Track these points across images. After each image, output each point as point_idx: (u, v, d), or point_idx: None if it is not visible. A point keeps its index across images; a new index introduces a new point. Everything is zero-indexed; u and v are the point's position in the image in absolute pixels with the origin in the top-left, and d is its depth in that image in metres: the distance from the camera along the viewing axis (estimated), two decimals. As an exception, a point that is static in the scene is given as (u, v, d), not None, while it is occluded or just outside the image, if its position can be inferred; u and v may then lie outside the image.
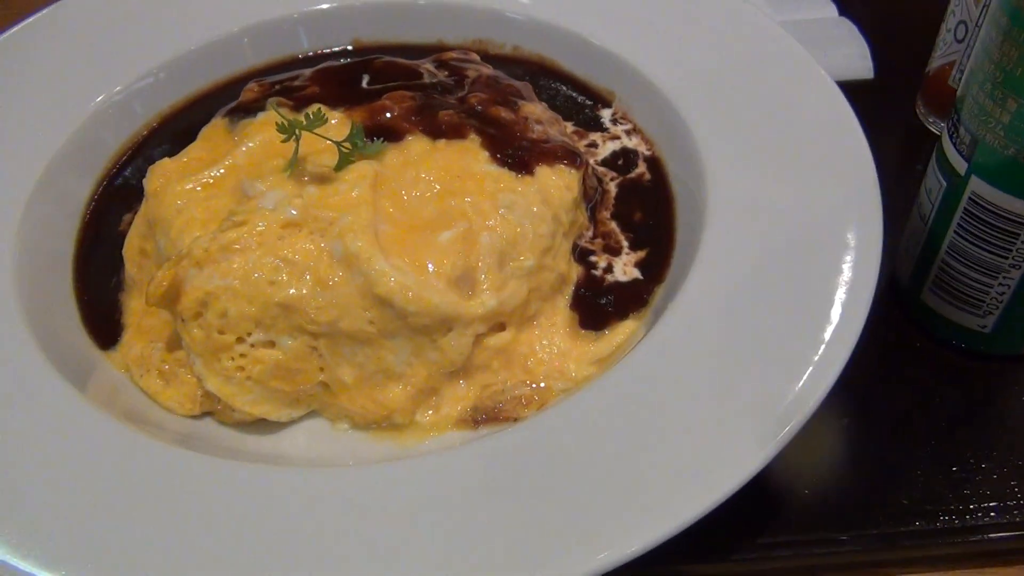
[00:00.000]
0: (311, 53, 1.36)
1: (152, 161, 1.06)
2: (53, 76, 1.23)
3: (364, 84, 1.13)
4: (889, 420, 0.98)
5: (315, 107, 1.05)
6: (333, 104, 1.07)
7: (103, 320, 1.03)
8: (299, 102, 1.09)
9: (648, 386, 0.85)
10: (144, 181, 1.02)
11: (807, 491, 0.92)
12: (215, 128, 1.10)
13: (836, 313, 0.86)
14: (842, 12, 1.53)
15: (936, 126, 1.32)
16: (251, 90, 1.15)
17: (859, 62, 1.41)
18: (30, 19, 1.29)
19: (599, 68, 1.27)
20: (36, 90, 1.21)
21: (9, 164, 1.11)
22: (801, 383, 0.81)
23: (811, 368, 0.82)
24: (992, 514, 0.89)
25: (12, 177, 1.09)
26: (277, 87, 1.13)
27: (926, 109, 1.34)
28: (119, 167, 1.20)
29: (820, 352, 0.83)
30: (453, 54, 1.21)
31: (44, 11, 1.30)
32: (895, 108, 1.39)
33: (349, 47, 1.37)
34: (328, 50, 1.36)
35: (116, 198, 1.17)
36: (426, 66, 1.16)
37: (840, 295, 0.88)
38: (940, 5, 1.28)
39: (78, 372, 0.96)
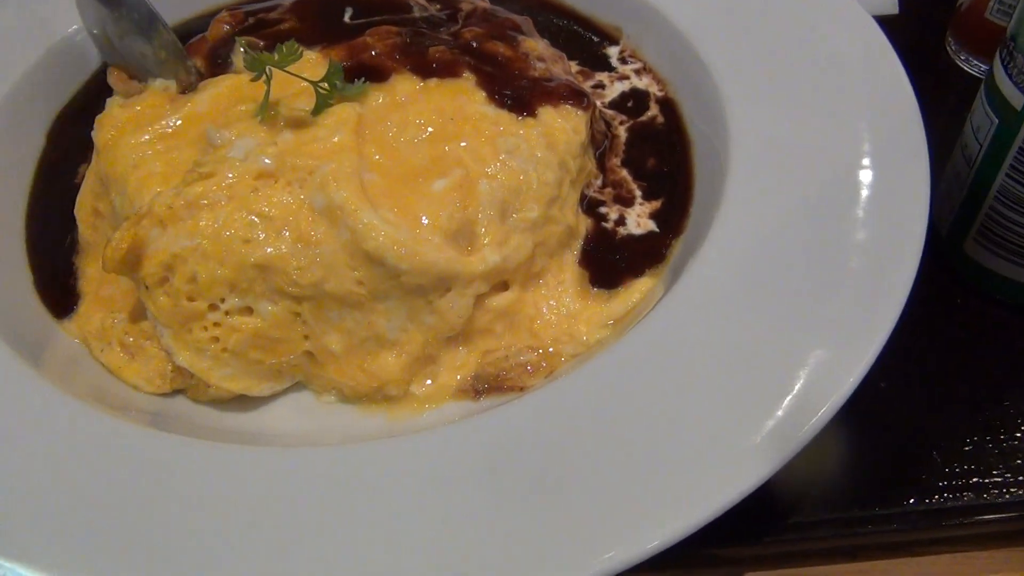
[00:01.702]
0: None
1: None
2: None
3: (347, 19, 1.01)
4: (930, 384, 0.89)
5: (288, 42, 0.94)
6: (310, 42, 0.96)
7: (57, 286, 0.92)
8: (272, 40, 0.97)
9: (669, 354, 0.75)
10: (92, 133, 0.91)
11: (842, 466, 0.84)
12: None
13: (880, 272, 0.77)
14: (861, -59, 1.41)
15: (969, 63, 1.22)
16: (222, 20, 1.03)
17: (882, -6, 1.30)
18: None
19: (603, 1, 1.15)
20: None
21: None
22: (842, 352, 0.72)
23: (853, 335, 0.73)
24: (1049, 485, 0.81)
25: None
26: (251, 20, 1.02)
27: (957, 46, 1.23)
28: (74, 112, 1.08)
29: (863, 317, 0.74)
30: None
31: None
32: (923, 45, 1.28)
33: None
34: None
35: (71, 148, 1.04)
36: (415, -1, 1.04)
37: (884, 250, 0.78)
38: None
39: (32, 345, 0.86)
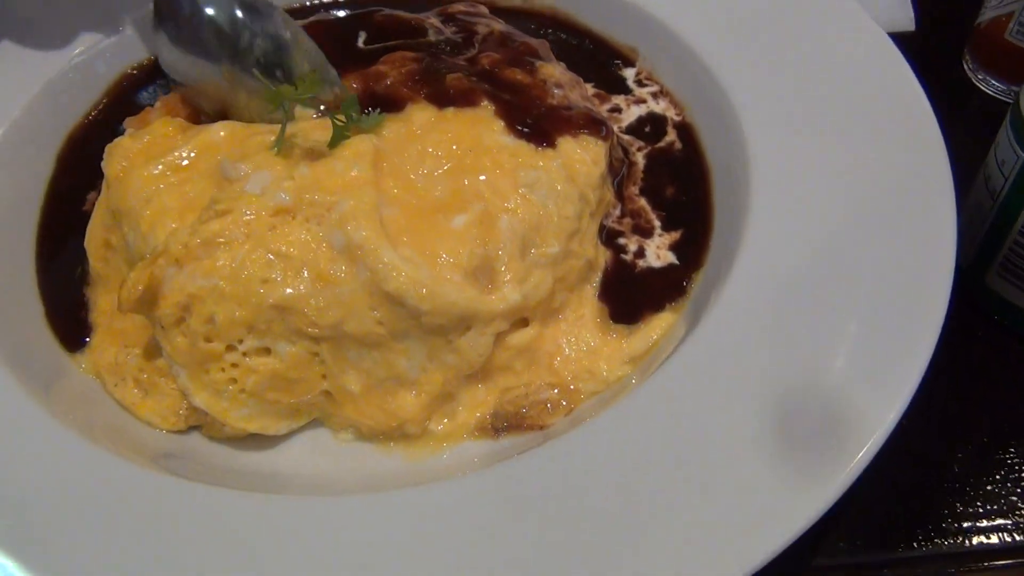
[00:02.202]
0: (298, 4, 1.21)
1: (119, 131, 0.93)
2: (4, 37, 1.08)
3: (360, 43, 1.00)
4: (951, 421, 0.88)
5: (309, 72, 0.92)
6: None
7: (69, 318, 0.91)
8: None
9: (695, 396, 0.74)
10: (102, 164, 0.89)
11: (857, 505, 0.83)
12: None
13: (910, 311, 0.76)
14: (876, -46, 1.39)
15: (987, 83, 1.20)
16: None
17: (899, 12, 1.28)
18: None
19: (619, 21, 1.13)
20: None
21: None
22: (876, 394, 0.71)
23: (886, 377, 0.72)
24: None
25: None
26: None
27: (975, 65, 1.22)
28: (85, 134, 1.06)
29: (896, 359, 0.73)
30: (460, 7, 1.07)
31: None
32: (940, 63, 1.27)
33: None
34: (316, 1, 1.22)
35: (82, 172, 1.02)
36: (431, 20, 1.02)
37: (913, 288, 0.78)
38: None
39: (43, 379, 0.85)
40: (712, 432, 0.71)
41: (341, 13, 1.07)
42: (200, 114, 0.97)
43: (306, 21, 1.04)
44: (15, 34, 1.07)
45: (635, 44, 1.12)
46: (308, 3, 1.18)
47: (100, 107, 1.08)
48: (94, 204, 0.96)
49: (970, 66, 1.23)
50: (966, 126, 1.18)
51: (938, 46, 1.28)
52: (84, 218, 0.96)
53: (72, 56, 1.07)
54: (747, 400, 0.73)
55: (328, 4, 1.19)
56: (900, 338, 0.74)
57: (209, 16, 0.91)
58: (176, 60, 0.94)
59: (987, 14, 1.16)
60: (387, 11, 1.05)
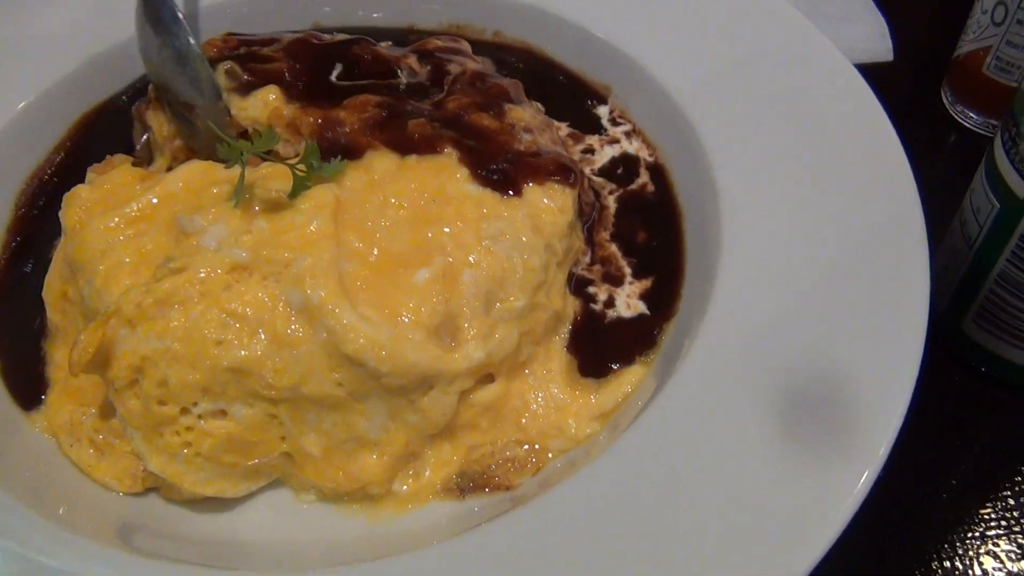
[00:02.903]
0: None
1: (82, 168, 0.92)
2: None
3: (334, 76, 0.98)
4: (927, 470, 0.87)
5: (265, 125, 0.91)
6: (291, 92, 0.94)
7: (25, 374, 0.89)
8: (255, 78, 0.96)
9: (668, 458, 0.72)
10: (60, 214, 0.87)
11: (831, 553, 0.81)
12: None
13: (885, 363, 0.74)
14: (855, -17, 1.38)
15: (965, 116, 1.19)
16: (213, 44, 1.01)
17: (877, 42, 1.27)
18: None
19: (591, 57, 1.12)
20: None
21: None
22: (851, 453, 0.69)
23: (861, 435, 0.70)
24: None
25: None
26: (243, 49, 1.00)
27: (953, 98, 1.21)
28: (48, 176, 1.04)
29: (871, 415, 0.71)
30: (439, 42, 1.05)
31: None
32: (917, 94, 1.26)
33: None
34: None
35: (42, 220, 1.01)
36: (407, 59, 1.00)
37: (888, 339, 0.76)
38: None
39: (-2, 441, 0.82)
40: (686, 496, 0.69)
41: (329, 36, 1.05)
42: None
43: (293, 36, 1.03)
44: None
45: (608, 82, 1.10)
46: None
47: (61, 150, 1.06)
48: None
49: (948, 99, 1.22)
50: (944, 160, 1.18)
51: (916, 77, 1.27)
52: (47, 266, 0.93)
53: (30, 95, 1.05)
54: (721, 461, 0.71)
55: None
56: (877, 387, 0.73)
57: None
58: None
59: (965, 47, 1.15)
60: (367, 43, 1.03)
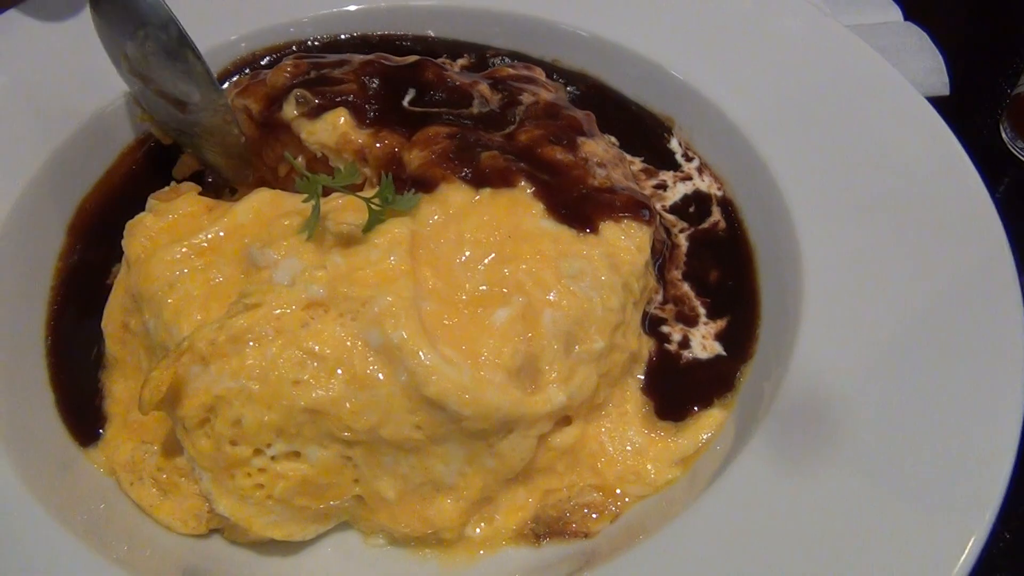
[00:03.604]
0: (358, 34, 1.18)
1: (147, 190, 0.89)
2: (17, 90, 1.03)
3: (406, 101, 0.96)
4: None
5: (333, 149, 0.89)
6: (363, 116, 0.92)
7: (82, 407, 0.86)
8: (325, 102, 0.94)
9: (764, 519, 0.70)
10: (123, 243, 0.84)
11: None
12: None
13: (987, 418, 0.72)
14: (907, 15, 1.37)
15: (1027, 154, 1.18)
16: (283, 69, 0.99)
17: (934, 76, 1.26)
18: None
19: (652, 87, 1.10)
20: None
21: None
22: (954, 519, 0.67)
23: (963, 497, 0.68)
24: None
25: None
26: (312, 73, 0.98)
27: (1013, 133, 1.19)
28: (98, 203, 1.01)
29: (973, 476, 0.69)
30: (511, 70, 1.03)
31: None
32: (973, 128, 1.25)
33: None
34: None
35: (98, 244, 0.98)
36: (480, 87, 0.98)
37: (986, 381, 0.75)
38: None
39: (53, 479, 0.79)
40: (776, 560, 0.67)
41: (399, 57, 1.04)
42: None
43: (363, 58, 1.01)
44: (20, 99, 1.02)
45: (671, 113, 1.08)
46: (374, 33, 1.18)
47: (115, 174, 1.03)
48: (115, 277, 0.91)
49: (1008, 134, 1.20)
50: (1007, 195, 1.16)
51: (974, 112, 1.26)
52: (100, 295, 0.91)
53: (81, 120, 1.02)
54: (814, 521, 0.69)
55: (391, 37, 1.18)
56: (981, 440, 0.71)
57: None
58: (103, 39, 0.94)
59: (1028, 84, 1.14)
60: (441, 65, 1.01)
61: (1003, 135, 1.21)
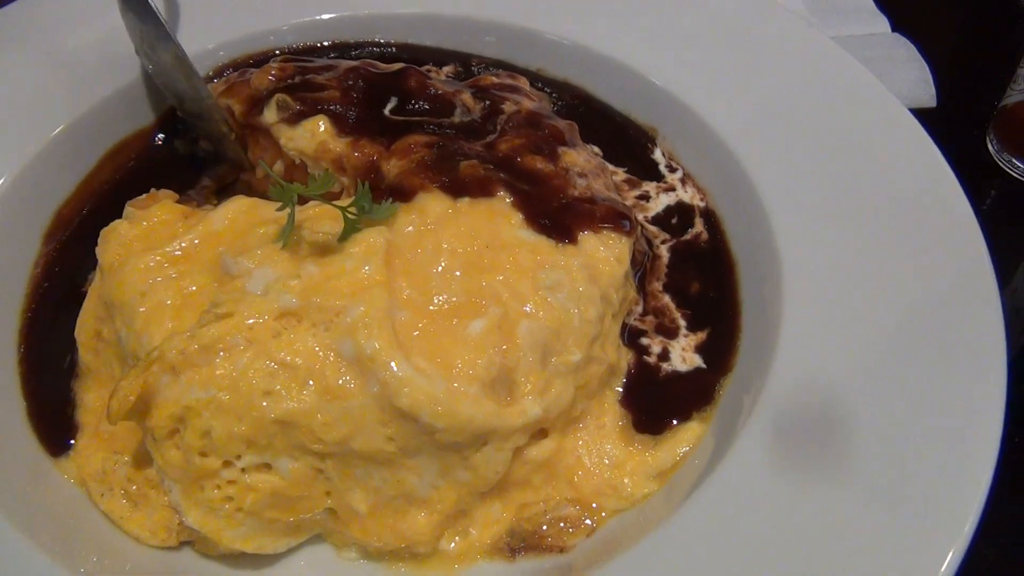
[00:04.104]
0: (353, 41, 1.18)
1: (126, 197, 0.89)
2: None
3: (387, 109, 0.95)
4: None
5: (312, 157, 0.89)
6: (342, 124, 0.92)
7: (54, 417, 0.85)
8: (306, 108, 0.94)
9: (734, 530, 0.69)
10: (97, 250, 0.83)
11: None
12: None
13: (965, 428, 0.72)
14: (895, 27, 1.37)
15: (1012, 165, 1.17)
16: (268, 71, 0.99)
17: (921, 88, 1.25)
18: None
19: (636, 97, 1.09)
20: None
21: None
22: (930, 535, 0.66)
23: (942, 509, 0.67)
24: None
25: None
26: (297, 78, 0.97)
27: (999, 145, 1.19)
28: (77, 209, 1.01)
29: (954, 478, 0.68)
30: (494, 79, 1.03)
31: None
32: (959, 140, 1.24)
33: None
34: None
35: (72, 254, 0.97)
36: (462, 96, 0.97)
37: (965, 395, 0.74)
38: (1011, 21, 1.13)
39: (22, 492, 0.78)
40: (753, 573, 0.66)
41: (384, 64, 1.03)
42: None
43: (349, 64, 1.01)
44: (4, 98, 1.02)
45: (654, 123, 1.08)
46: (365, 39, 1.17)
47: (91, 182, 1.03)
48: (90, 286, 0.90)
49: (994, 146, 1.20)
50: (991, 207, 1.16)
51: (961, 123, 1.25)
52: (78, 302, 0.90)
53: (59, 125, 1.01)
54: (790, 532, 0.68)
55: (377, 44, 1.18)
56: (958, 453, 0.70)
57: None
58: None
59: (1013, 97, 1.14)
60: (425, 73, 1.01)
61: (989, 147, 1.21)
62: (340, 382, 0.72)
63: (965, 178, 1.21)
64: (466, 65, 1.15)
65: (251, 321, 0.73)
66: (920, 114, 1.20)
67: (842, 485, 0.70)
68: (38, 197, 0.98)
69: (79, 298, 0.90)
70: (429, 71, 1.10)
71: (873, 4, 1.40)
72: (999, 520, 0.75)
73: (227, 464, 0.73)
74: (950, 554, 0.64)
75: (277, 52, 1.12)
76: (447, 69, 1.16)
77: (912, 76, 1.26)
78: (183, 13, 1.12)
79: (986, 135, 1.21)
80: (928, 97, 1.26)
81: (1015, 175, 1.17)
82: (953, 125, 1.27)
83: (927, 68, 1.27)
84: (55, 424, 0.84)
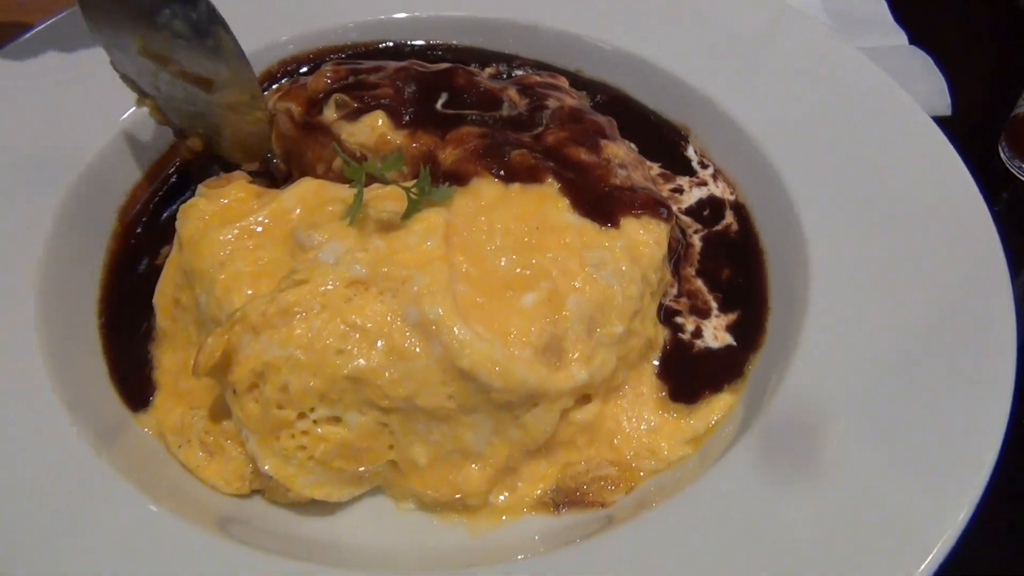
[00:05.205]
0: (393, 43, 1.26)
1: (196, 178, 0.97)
2: (75, 81, 1.10)
3: (439, 104, 1.02)
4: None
5: (372, 150, 0.96)
6: (398, 119, 0.99)
7: (133, 375, 0.92)
8: (363, 105, 1.00)
9: (763, 485, 0.76)
10: (176, 223, 0.91)
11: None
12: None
13: (976, 408, 0.78)
14: (912, 40, 1.44)
15: (1023, 171, 1.24)
16: (324, 74, 1.06)
17: (937, 97, 1.32)
18: (51, 20, 1.16)
19: (670, 98, 1.17)
20: (57, 98, 1.09)
21: (27, 191, 0.99)
22: (945, 493, 0.72)
23: (953, 478, 0.73)
24: None
25: (30, 206, 0.98)
26: (351, 79, 1.04)
27: (1011, 152, 1.26)
28: (156, 187, 1.09)
29: (962, 459, 0.75)
30: (537, 78, 1.10)
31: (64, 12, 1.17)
32: (973, 148, 1.30)
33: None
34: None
35: (146, 227, 1.06)
36: (508, 92, 1.05)
37: (979, 378, 0.80)
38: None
39: (107, 437, 0.85)
40: (782, 521, 0.72)
41: (431, 64, 1.10)
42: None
43: (398, 64, 1.07)
44: (75, 90, 1.09)
45: (687, 122, 1.15)
46: (407, 43, 1.25)
47: (162, 163, 1.11)
48: (165, 259, 0.97)
49: (1006, 154, 1.26)
50: (1004, 213, 1.21)
51: (973, 133, 1.32)
52: (149, 273, 0.97)
53: (130, 112, 1.09)
54: (816, 488, 0.74)
55: (425, 47, 1.25)
56: (968, 432, 0.76)
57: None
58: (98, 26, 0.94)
59: (1025, 106, 1.20)
60: (472, 72, 1.08)
61: (1001, 154, 1.27)
62: (406, 344, 0.79)
63: (978, 184, 1.28)
64: (508, 66, 1.22)
65: (324, 287, 0.80)
66: (936, 122, 1.27)
67: (860, 454, 0.76)
68: (114, 176, 1.06)
69: (151, 270, 0.98)
70: (473, 70, 1.17)
71: (891, 18, 1.47)
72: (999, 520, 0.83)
73: (301, 416, 0.80)
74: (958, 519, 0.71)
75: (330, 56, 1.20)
76: (489, 70, 1.23)
77: (929, 86, 1.33)
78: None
79: (999, 143, 1.28)
80: (944, 106, 1.32)
81: (1025, 180, 1.24)
82: (967, 133, 1.33)
83: (943, 79, 1.34)
84: (134, 382, 0.91)
